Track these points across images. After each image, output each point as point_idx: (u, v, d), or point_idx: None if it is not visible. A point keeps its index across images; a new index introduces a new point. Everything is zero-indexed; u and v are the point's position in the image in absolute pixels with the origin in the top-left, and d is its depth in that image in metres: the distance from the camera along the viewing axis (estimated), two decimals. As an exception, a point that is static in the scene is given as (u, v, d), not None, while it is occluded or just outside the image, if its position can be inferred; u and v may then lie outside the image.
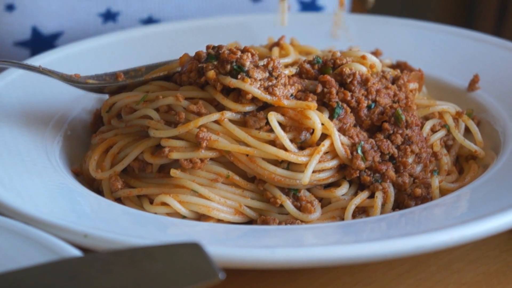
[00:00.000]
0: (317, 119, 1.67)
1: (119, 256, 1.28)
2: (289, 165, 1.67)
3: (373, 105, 1.76)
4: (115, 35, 2.28)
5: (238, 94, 1.69)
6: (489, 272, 1.58)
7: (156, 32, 2.31)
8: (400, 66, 2.02)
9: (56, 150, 1.82)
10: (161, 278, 1.24)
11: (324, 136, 1.69)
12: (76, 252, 1.33)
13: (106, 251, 1.32)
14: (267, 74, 1.69)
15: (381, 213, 1.66)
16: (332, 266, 1.45)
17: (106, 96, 1.91)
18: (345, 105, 1.73)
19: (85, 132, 1.96)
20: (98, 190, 1.75)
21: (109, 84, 1.85)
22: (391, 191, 1.69)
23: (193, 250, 1.27)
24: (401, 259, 1.59)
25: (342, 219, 1.66)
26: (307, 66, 1.79)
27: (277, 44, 2.01)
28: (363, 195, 1.68)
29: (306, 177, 1.64)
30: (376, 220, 1.58)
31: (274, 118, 1.66)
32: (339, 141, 1.69)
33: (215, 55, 1.71)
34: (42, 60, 2.07)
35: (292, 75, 1.78)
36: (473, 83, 2.02)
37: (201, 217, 1.66)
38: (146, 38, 2.27)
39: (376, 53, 2.09)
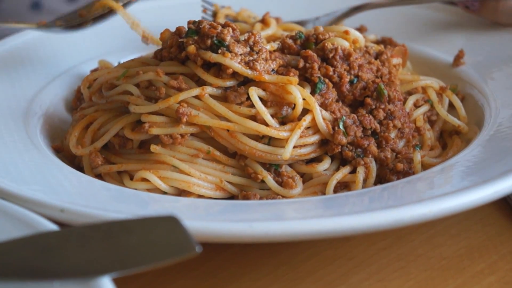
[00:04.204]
0: (298, 93, 1.66)
1: (95, 230, 1.27)
2: (270, 140, 1.66)
3: (355, 80, 1.74)
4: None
5: (219, 69, 1.67)
6: (470, 246, 1.57)
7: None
8: (385, 41, 2.01)
9: (37, 127, 1.81)
10: (138, 251, 1.24)
11: (305, 111, 1.68)
12: (53, 227, 1.32)
13: (82, 225, 1.31)
14: (248, 49, 1.68)
15: (363, 188, 1.66)
16: (310, 239, 1.44)
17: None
18: (327, 80, 1.72)
19: (67, 109, 1.95)
20: (79, 167, 1.74)
21: (84, 21, 1.93)
22: (373, 166, 1.68)
23: (170, 223, 1.26)
24: (383, 234, 1.59)
25: (324, 194, 1.65)
26: (289, 41, 1.78)
27: (261, 20, 2.00)
28: (345, 170, 1.68)
29: (287, 152, 1.63)
30: (357, 194, 1.57)
31: (255, 93, 1.65)
32: (321, 116, 1.67)
33: (195, 30, 1.69)
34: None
35: (274, 50, 1.76)
36: (458, 59, 2.01)
37: (181, 193, 1.65)
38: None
39: (360, 29, 2.08)
